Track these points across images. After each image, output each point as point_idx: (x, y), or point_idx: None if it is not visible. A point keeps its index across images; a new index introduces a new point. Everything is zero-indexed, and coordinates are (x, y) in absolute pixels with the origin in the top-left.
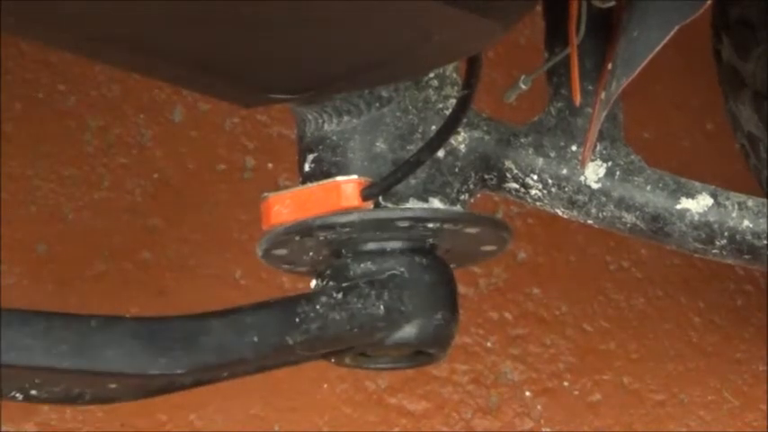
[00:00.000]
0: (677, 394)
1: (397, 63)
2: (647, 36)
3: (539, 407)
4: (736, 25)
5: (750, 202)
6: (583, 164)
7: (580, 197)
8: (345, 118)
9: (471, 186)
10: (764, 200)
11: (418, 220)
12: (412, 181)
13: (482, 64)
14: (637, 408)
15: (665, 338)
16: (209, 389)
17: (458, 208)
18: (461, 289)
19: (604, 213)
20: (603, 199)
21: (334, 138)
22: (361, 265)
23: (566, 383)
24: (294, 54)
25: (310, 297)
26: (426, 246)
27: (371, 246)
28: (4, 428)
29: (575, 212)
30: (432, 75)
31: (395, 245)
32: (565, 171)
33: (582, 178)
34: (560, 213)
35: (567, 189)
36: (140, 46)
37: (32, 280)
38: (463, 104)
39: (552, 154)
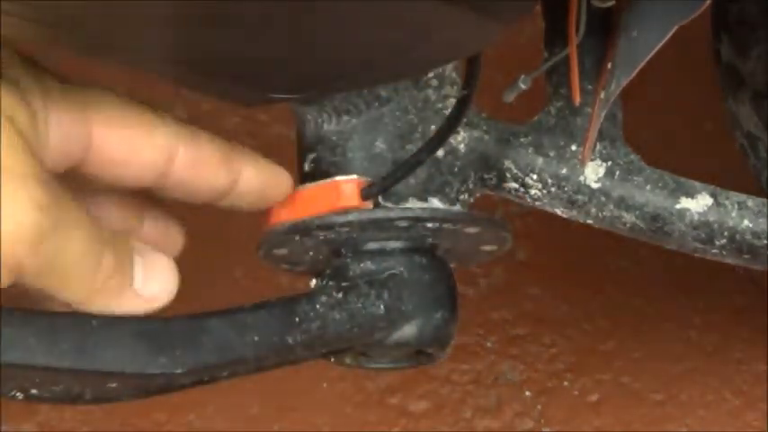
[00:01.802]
0: (677, 394)
1: (397, 63)
2: (646, 36)
3: (539, 407)
4: (736, 25)
5: (750, 202)
6: (582, 163)
7: (580, 197)
8: (345, 118)
9: (471, 186)
10: (764, 200)
11: (417, 220)
12: (411, 180)
13: (482, 64)
14: (637, 408)
15: (665, 338)
16: (209, 389)
17: (457, 208)
18: (461, 289)
19: (604, 213)
20: (603, 199)
21: (334, 137)
22: (361, 265)
23: (566, 383)
24: (294, 54)
25: (310, 297)
26: (426, 245)
27: (371, 245)
28: (4, 428)
29: (574, 212)
30: (431, 74)
31: (394, 244)
32: (564, 171)
33: (581, 178)
34: (560, 213)
35: (566, 189)
36: (140, 46)
37: None
38: (463, 104)
39: (552, 153)
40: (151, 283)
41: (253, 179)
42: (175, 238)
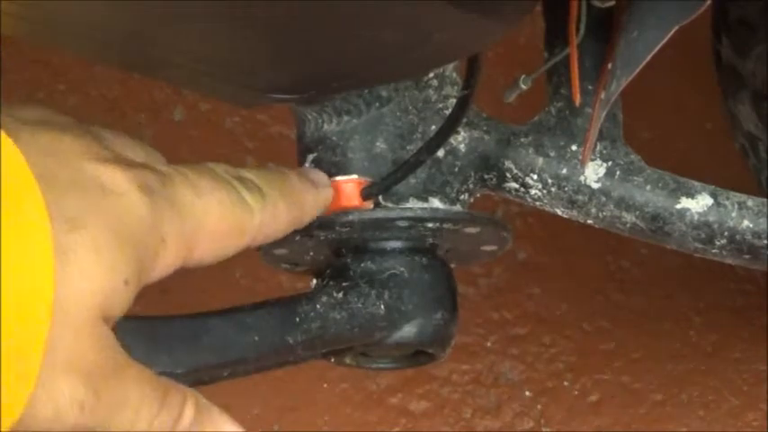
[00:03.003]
0: (677, 394)
1: (397, 63)
2: (646, 36)
3: (539, 407)
4: (736, 25)
5: (750, 202)
6: (583, 163)
7: (580, 197)
8: (345, 118)
9: (471, 186)
10: (764, 200)
11: (418, 220)
12: (412, 180)
13: (482, 64)
14: (637, 408)
15: (665, 338)
16: (209, 389)
17: (457, 208)
18: (461, 289)
19: (604, 213)
20: (603, 199)
21: (334, 138)
22: (362, 265)
23: (566, 383)
24: (294, 54)
25: (311, 297)
26: (426, 245)
27: (371, 245)
28: None
29: (574, 212)
30: (432, 75)
31: (395, 244)
32: (565, 171)
33: (582, 178)
34: (560, 213)
35: (566, 189)
36: (140, 46)
37: None
38: (463, 104)
39: (552, 154)
40: None
41: (310, 217)
42: None
